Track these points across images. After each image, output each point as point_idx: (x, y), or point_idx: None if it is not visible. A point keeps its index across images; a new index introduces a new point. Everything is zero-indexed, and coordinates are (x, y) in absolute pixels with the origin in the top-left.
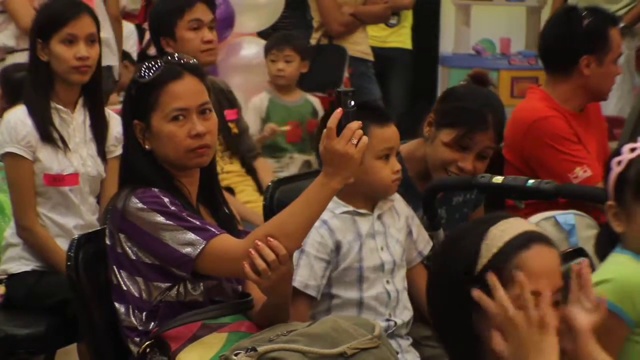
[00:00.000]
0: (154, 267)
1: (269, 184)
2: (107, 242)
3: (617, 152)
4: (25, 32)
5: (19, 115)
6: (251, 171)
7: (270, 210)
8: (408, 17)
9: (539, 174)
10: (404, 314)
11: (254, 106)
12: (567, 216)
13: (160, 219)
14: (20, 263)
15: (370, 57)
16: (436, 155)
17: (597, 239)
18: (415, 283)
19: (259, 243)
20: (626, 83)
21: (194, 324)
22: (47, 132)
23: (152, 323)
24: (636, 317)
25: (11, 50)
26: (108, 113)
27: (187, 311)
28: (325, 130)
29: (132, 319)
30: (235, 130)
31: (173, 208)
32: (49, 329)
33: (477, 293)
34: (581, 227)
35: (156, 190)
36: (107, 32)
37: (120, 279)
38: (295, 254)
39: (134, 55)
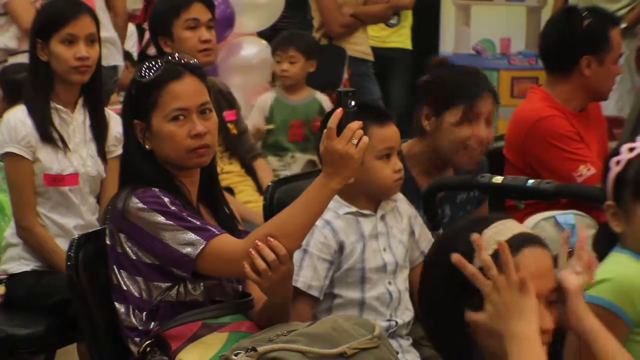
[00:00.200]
0: (154, 267)
1: (269, 184)
2: (107, 242)
3: (616, 152)
4: (26, 34)
5: (18, 116)
6: (251, 171)
7: (270, 210)
8: (408, 17)
9: (541, 174)
10: (405, 314)
11: (258, 105)
12: (567, 216)
13: (161, 218)
14: (20, 263)
15: (371, 57)
16: (451, 139)
17: (595, 239)
18: (417, 283)
19: (259, 243)
20: (626, 83)
21: (195, 324)
22: (47, 132)
23: (152, 323)
24: (635, 316)
25: (13, 52)
26: (108, 113)
27: (187, 311)
28: (325, 131)
29: (132, 318)
30: (234, 131)
31: (173, 208)
32: (49, 329)
33: (456, 257)
34: (581, 227)
35: (156, 190)
36: (112, 32)
37: (120, 279)
38: (298, 255)
39: (135, 56)
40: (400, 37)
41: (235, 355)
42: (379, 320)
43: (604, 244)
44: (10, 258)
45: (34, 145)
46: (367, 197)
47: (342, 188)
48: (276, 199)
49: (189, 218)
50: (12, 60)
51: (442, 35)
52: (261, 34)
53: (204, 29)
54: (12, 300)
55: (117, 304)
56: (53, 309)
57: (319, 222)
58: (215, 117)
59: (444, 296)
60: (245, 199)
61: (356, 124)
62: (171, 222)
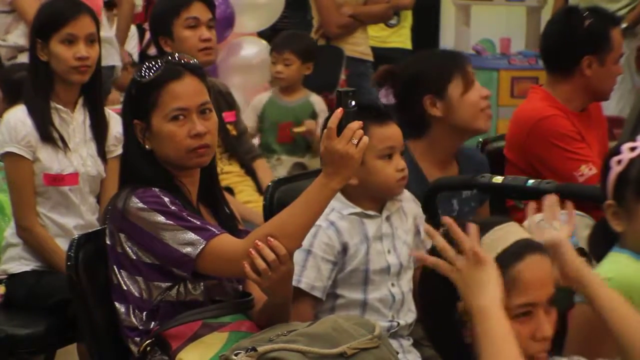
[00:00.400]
0: (154, 266)
1: (269, 184)
2: (108, 242)
3: (616, 151)
4: None
5: (18, 115)
6: (250, 172)
7: (270, 210)
8: (408, 17)
9: (543, 173)
10: (408, 315)
11: (253, 104)
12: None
13: (161, 218)
14: (20, 263)
15: (370, 58)
16: (467, 108)
17: (591, 237)
18: None
19: (259, 243)
20: (626, 83)
21: (195, 323)
22: (47, 132)
23: (153, 323)
24: None
25: (22, 49)
26: (108, 113)
27: (187, 311)
28: (325, 131)
29: (133, 318)
30: (233, 132)
31: (173, 208)
32: (49, 329)
33: (427, 228)
34: (581, 227)
35: (156, 190)
36: (109, 32)
37: (120, 279)
38: (302, 255)
39: (135, 56)
40: (400, 37)
41: (235, 355)
42: (381, 321)
43: (600, 242)
44: (10, 258)
45: (34, 145)
46: (371, 198)
47: (346, 189)
48: (276, 199)
49: (189, 218)
50: (22, 57)
51: (442, 35)
52: (261, 34)
53: (204, 28)
54: (12, 300)
55: (117, 304)
56: (53, 309)
57: (323, 223)
58: (215, 117)
59: (443, 296)
60: (245, 199)
61: (356, 124)
62: (171, 222)
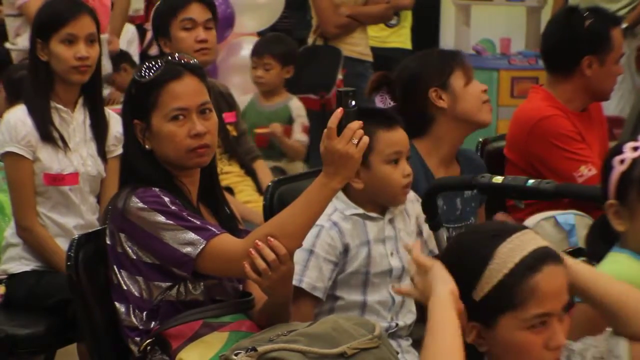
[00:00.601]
0: (154, 266)
1: (269, 183)
2: (108, 241)
3: (618, 151)
4: None
5: (18, 115)
6: (250, 172)
7: (270, 210)
8: (408, 17)
9: (543, 173)
10: (407, 317)
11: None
12: (567, 216)
13: (161, 218)
14: (20, 263)
15: (369, 58)
16: (470, 99)
17: (588, 236)
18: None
19: (259, 243)
20: (627, 83)
21: (195, 323)
22: (47, 132)
23: (153, 322)
24: None
25: None
26: (108, 113)
27: (187, 310)
28: (325, 130)
29: (133, 318)
30: (234, 133)
31: (173, 208)
32: (49, 329)
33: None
34: (581, 227)
35: (157, 189)
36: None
37: (120, 279)
38: (304, 255)
39: (136, 57)
40: (400, 37)
41: (236, 355)
42: (380, 322)
43: (597, 241)
44: (10, 258)
45: (34, 144)
46: (374, 202)
47: (351, 192)
48: (276, 199)
49: (189, 218)
50: None
51: (442, 35)
52: (261, 34)
53: (201, 29)
54: (12, 300)
55: (117, 304)
56: (53, 309)
57: (326, 223)
58: (215, 117)
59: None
60: (245, 199)
61: (356, 124)
62: (171, 222)
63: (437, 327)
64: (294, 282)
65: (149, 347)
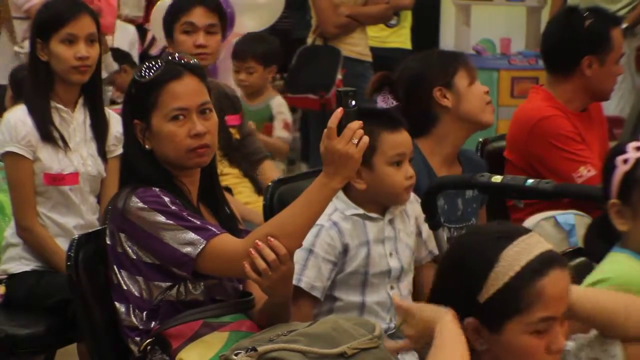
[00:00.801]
0: (154, 266)
1: (269, 183)
2: (108, 241)
3: (621, 150)
4: None
5: (19, 115)
6: (249, 175)
7: (270, 210)
8: (408, 18)
9: (542, 174)
10: None
11: None
12: (567, 216)
13: (161, 218)
14: (20, 263)
15: (368, 58)
16: (474, 99)
17: (586, 235)
18: (424, 282)
19: (259, 243)
20: (627, 83)
21: (195, 323)
22: (47, 132)
23: (153, 322)
24: None
25: None
26: (108, 112)
27: (188, 310)
28: (325, 130)
29: (133, 318)
30: (236, 136)
31: (173, 207)
32: (49, 329)
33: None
34: (581, 227)
35: (157, 189)
36: None
37: (120, 279)
38: (303, 254)
39: (136, 58)
40: (400, 37)
41: (236, 355)
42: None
43: (595, 241)
44: (10, 258)
45: (34, 144)
46: (376, 202)
47: (352, 193)
48: (276, 199)
49: (189, 218)
50: None
51: (442, 35)
52: None
53: (201, 34)
54: (12, 300)
55: (117, 304)
56: (53, 309)
57: (326, 223)
58: (215, 117)
59: (454, 305)
60: (244, 200)
61: (356, 124)
62: (171, 222)
63: (448, 344)
64: (293, 281)
65: (149, 347)
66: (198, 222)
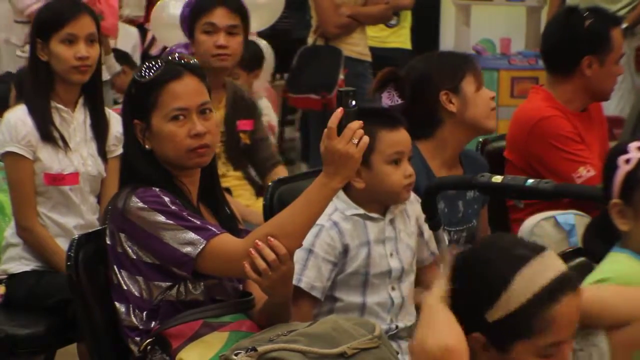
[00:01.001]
0: (154, 266)
1: (269, 183)
2: (108, 241)
3: (622, 150)
4: None
5: (19, 115)
6: (250, 178)
7: (270, 210)
8: (408, 18)
9: (542, 174)
10: (407, 319)
11: None
12: (567, 216)
13: (161, 218)
14: (21, 263)
15: (368, 58)
16: (481, 105)
17: (585, 235)
18: (426, 283)
19: (259, 243)
20: (627, 83)
21: (195, 323)
22: (47, 132)
23: (153, 322)
24: None
25: None
26: (108, 113)
27: (188, 310)
28: (325, 130)
29: (133, 318)
30: (246, 141)
31: (173, 207)
32: (49, 329)
33: None
34: (581, 227)
35: (157, 189)
36: None
37: (120, 279)
38: (303, 254)
39: (135, 58)
40: (400, 37)
41: (236, 355)
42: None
43: (593, 241)
44: (10, 258)
45: (35, 144)
46: (376, 201)
47: (352, 192)
48: (276, 199)
49: (189, 217)
50: None
51: (442, 35)
52: (261, 34)
53: (222, 34)
54: (12, 300)
55: (117, 304)
56: (53, 309)
57: (326, 223)
58: (215, 117)
59: (463, 317)
60: (244, 203)
61: (356, 124)
62: (171, 222)
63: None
64: (293, 281)
65: (149, 347)
66: (198, 222)
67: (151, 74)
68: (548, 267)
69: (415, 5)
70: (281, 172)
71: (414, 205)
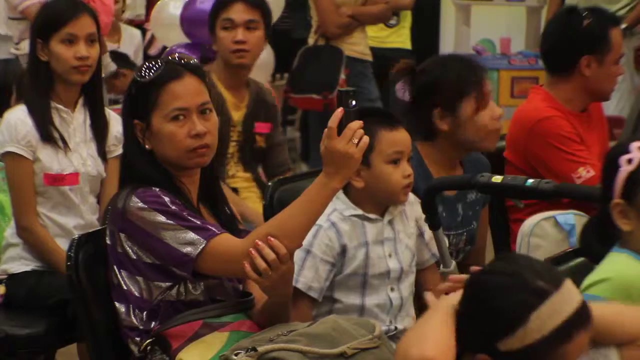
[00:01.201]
0: (154, 266)
1: (269, 183)
2: (108, 241)
3: (623, 150)
4: None
5: (19, 115)
6: (258, 180)
7: (270, 210)
8: (407, 18)
9: (542, 174)
10: (406, 320)
11: None
12: (567, 216)
13: (161, 218)
14: (20, 263)
15: (369, 58)
16: (476, 129)
17: (582, 235)
18: (427, 284)
19: (260, 243)
20: (626, 83)
21: (196, 323)
22: (47, 132)
23: (153, 323)
24: None
25: None
26: (108, 113)
27: (188, 310)
28: (326, 130)
29: (133, 318)
30: (261, 144)
31: (174, 207)
32: (49, 329)
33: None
34: (580, 227)
35: (157, 189)
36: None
37: (120, 279)
38: (301, 254)
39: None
40: (400, 37)
41: (236, 355)
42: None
43: (592, 240)
44: (10, 258)
45: (34, 144)
46: (375, 201)
47: (351, 192)
48: (276, 199)
49: (189, 217)
50: None
51: (442, 35)
52: None
53: (240, 30)
54: (12, 300)
55: (117, 304)
56: (53, 309)
57: (324, 223)
58: (215, 117)
59: (470, 337)
60: (249, 205)
61: (357, 124)
62: (171, 222)
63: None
64: None
65: (149, 347)
66: (198, 222)
67: (151, 74)
68: (565, 303)
69: (415, 5)
70: None
71: (413, 206)
